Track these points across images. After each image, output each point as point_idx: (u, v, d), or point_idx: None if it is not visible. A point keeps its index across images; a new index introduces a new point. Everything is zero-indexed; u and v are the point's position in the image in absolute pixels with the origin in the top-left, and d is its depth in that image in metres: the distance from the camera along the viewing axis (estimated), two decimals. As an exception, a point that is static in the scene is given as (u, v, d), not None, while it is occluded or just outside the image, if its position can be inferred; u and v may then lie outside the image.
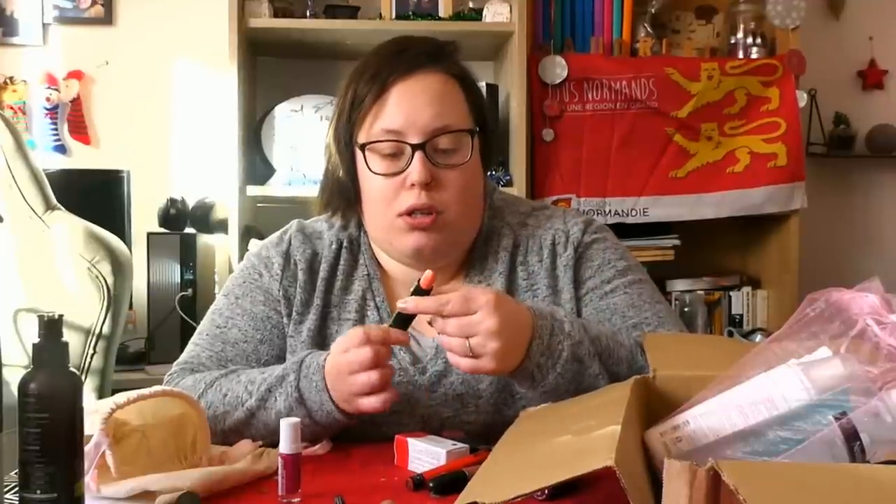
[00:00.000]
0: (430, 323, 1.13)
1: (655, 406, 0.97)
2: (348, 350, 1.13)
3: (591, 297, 1.33)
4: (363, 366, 1.12)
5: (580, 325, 1.19)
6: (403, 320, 1.14)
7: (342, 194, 1.33)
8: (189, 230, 2.84)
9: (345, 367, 1.14)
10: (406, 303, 1.12)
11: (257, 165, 2.80)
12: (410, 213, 1.26)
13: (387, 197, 1.27)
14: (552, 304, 1.32)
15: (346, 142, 1.30)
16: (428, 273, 1.13)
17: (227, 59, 2.58)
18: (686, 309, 2.84)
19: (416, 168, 1.24)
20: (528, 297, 1.33)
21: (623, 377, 1.17)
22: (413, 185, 1.24)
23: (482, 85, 2.67)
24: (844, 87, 3.25)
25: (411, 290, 1.13)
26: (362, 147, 1.27)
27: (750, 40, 2.90)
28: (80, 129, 3.03)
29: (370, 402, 1.13)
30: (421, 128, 1.25)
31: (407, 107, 1.25)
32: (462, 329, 1.09)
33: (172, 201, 2.82)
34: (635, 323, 1.30)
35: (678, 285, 2.90)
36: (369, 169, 1.27)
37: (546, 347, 1.15)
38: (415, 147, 1.24)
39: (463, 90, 1.31)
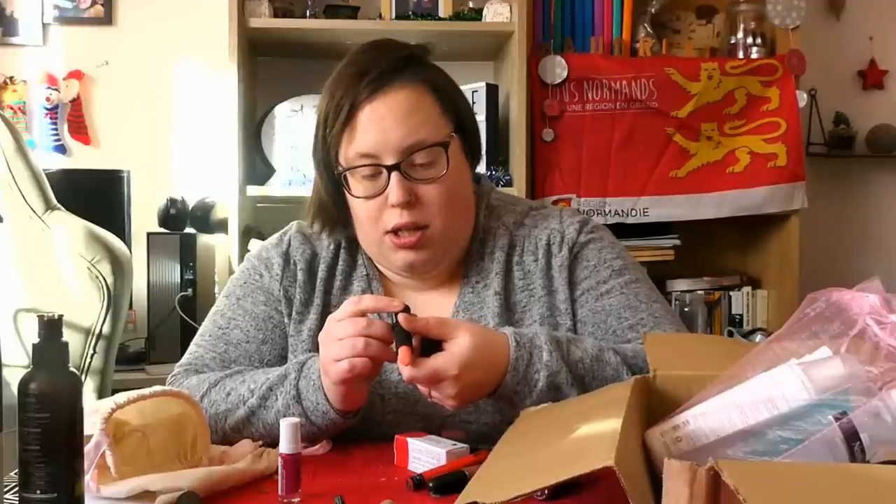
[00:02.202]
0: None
1: (655, 406, 0.97)
2: (342, 319, 1.14)
3: (587, 297, 1.32)
4: (349, 333, 1.11)
5: (561, 353, 1.18)
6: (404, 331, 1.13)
7: (325, 215, 1.34)
8: (189, 230, 2.84)
9: (332, 332, 1.13)
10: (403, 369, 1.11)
11: (257, 165, 2.80)
12: (396, 231, 1.26)
13: (372, 217, 1.27)
14: (548, 305, 1.32)
15: (325, 163, 1.30)
16: (401, 316, 1.11)
17: (227, 59, 2.58)
18: (686, 309, 2.84)
19: (393, 190, 1.24)
20: (524, 297, 1.33)
21: None
22: (394, 205, 1.25)
23: (481, 85, 2.68)
24: (844, 87, 3.25)
25: (392, 322, 1.12)
26: (341, 174, 1.27)
27: (750, 40, 2.90)
28: (80, 129, 3.04)
29: (340, 366, 1.11)
30: (393, 148, 1.24)
31: (376, 129, 1.24)
32: (425, 386, 1.13)
33: (172, 201, 2.82)
34: (631, 324, 1.30)
35: (678, 285, 2.90)
36: (351, 194, 1.28)
37: (522, 377, 1.15)
38: (390, 168, 1.24)
39: (434, 96, 1.28)
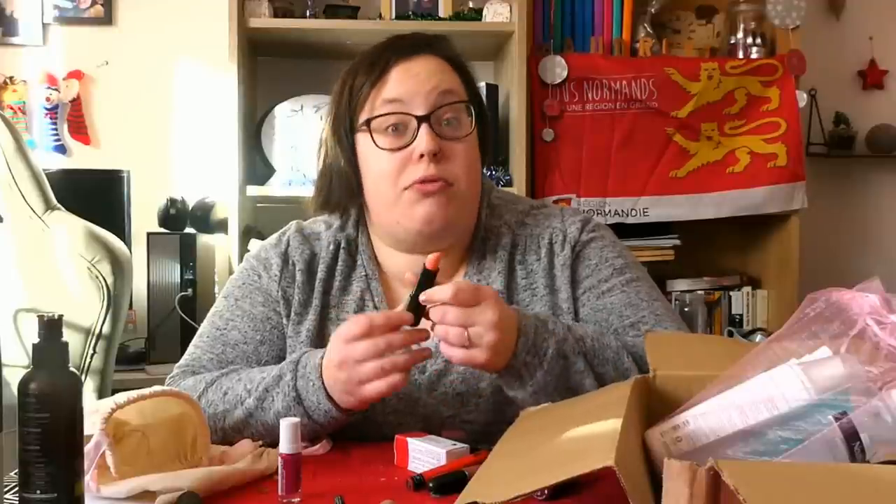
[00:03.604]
0: (425, 316, 1.12)
1: (655, 406, 0.97)
2: (355, 340, 1.12)
3: (589, 296, 1.33)
4: (372, 355, 1.11)
5: (564, 324, 1.20)
6: (416, 307, 1.13)
7: (344, 186, 1.32)
8: (189, 230, 2.84)
9: (350, 356, 1.12)
10: (425, 295, 1.12)
11: (257, 165, 2.80)
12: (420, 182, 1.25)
13: (393, 173, 1.26)
14: (550, 304, 1.32)
15: (346, 129, 1.30)
16: (433, 255, 1.13)
17: (227, 59, 2.58)
18: (686, 309, 2.84)
19: (423, 139, 1.24)
20: (526, 296, 1.33)
21: (609, 378, 1.18)
22: (421, 155, 1.24)
23: (482, 85, 2.68)
24: (844, 87, 3.25)
25: (419, 276, 1.13)
26: (367, 123, 1.27)
27: (750, 40, 2.90)
28: (80, 129, 3.04)
29: (375, 386, 1.12)
30: (424, 98, 1.26)
31: (409, 80, 1.26)
32: (463, 318, 1.10)
33: (172, 201, 2.82)
34: (632, 322, 1.30)
35: (678, 285, 2.90)
36: (375, 144, 1.26)
37: (532, 345, 1.15)
38: (420, 119, 1.25)
39: (460, 76, 1.32)
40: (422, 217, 1.26)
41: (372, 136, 1.27)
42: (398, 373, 1.12)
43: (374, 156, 1.27)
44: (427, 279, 1.12)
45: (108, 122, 3.05)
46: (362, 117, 1.28)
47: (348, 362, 1.13)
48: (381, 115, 1.26)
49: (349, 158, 1.30)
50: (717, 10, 3.02)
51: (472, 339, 1.11)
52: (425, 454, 1.10)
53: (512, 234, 1.36)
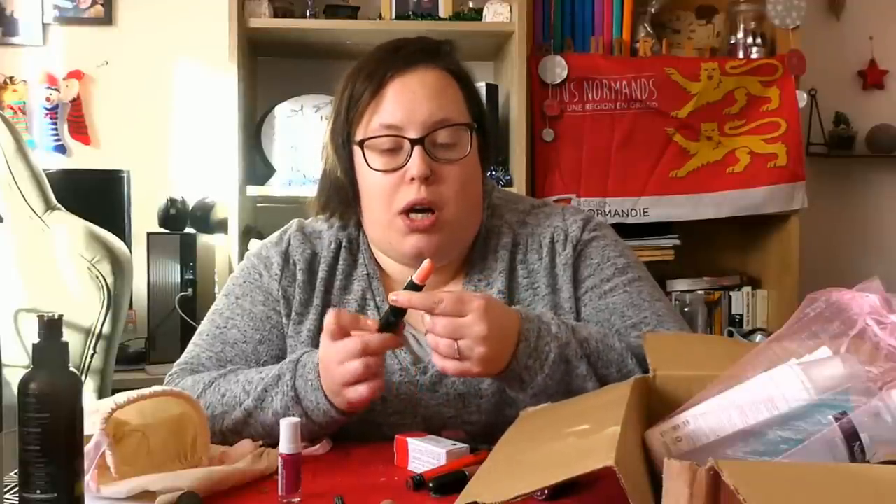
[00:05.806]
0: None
1: (655, 406, 0.97)
2: (333, 339, 1.12)
3: (591, 296, 1.32)
4: (350, 355, 1.11)
5: (567, 328, 1.19)
6: (395, 314, 1.12)
7: (340, 195, 1.33)
8: (189, 230, 2.84)
9: (333, 356, 1.12)
10: (398, 296, 1.11)
11: (257, 165, 2.80)
12: (410, 211, 1.25)
13: (385, 193, 1.26)
14: (552, 303, 1.32)
15: (343, 140, 1.30)
16: (425, 264, 1.12)
17: (227, 59, 2.58)
18: (686, 309, 2.84)
19: (415, 162, 1.24)
20: (528, 295, 1.33)
21: (612, 380, 1.17)
22: (412, 179, 1.24)
23: (482, 85, 2.68)
24: (844, 87, 3.25)
25: (405, 286, 1.13)
26: (361, 143, 1.27)
27: (750, 40, 2.90)
28: (80, 129, 3.04)
29: (356, 391, 1.12)
30: (420, 122, 1.25)
31: (405, 101, 1.25)
32: (451, 331, 1.10)
33: (172, 201, 2.82)
34: (634, 323, 1.30)
35: (678, 285, 2.90)
36: (368, 165, 1.27)
37: (533, 350, 1.15)
38: (414, 142, 1.24)
39: (460, 87, 1.31)
40: (411, 250, 1.27)
41: (365, 156, 1.27)
42: (377, 378, 1.12)
43: (368, 174, 1.28)
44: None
45: (108, 122, 3.05)
46: (358, 134, 1.28)
47: (330, 363, 1.13)
48: (375, 137, 1.26)
49: (346, 170, 1.31)
50: (717, 10, 3.02)
51: (462, 351, 1.10)
52: (425, 454, 1.09)
53: (513, 234, 1.36)
